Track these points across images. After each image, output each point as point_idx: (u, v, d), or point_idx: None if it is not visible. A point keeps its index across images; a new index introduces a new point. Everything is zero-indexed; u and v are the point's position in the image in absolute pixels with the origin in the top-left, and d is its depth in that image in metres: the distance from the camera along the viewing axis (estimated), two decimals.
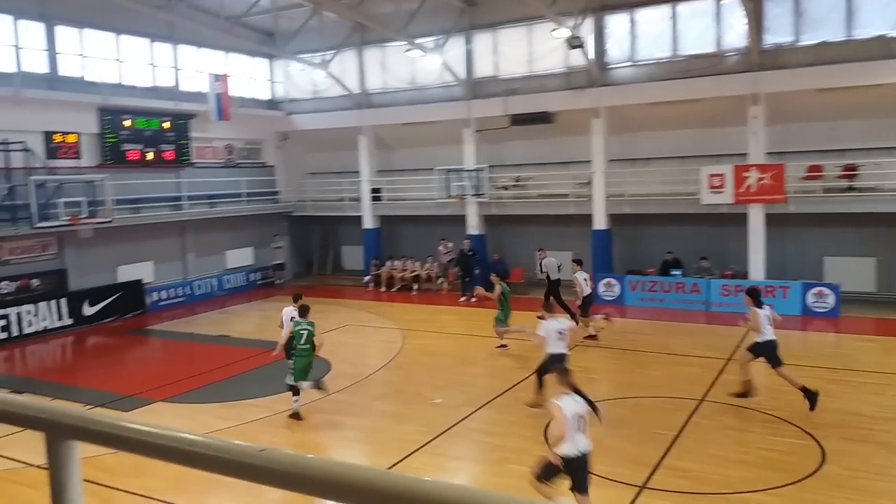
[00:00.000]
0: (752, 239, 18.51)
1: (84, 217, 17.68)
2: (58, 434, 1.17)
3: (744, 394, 10.65)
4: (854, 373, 12.23)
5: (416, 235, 24.70)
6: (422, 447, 9.58)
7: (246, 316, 20.07)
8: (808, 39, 17.87)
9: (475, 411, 11.04)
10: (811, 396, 10.15)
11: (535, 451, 9.30)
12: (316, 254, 27.08)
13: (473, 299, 19.51)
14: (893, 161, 17.30)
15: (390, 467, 8.00)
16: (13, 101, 17.22)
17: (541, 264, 17.98)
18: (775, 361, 10.41)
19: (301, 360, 10.83)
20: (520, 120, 21.16)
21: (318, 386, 11.06)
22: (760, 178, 17.93)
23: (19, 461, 9.17)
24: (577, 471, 6.72)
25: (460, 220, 22.53)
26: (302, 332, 10.84)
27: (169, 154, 21.49)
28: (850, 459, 8.74)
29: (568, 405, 6.74)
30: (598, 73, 19.99)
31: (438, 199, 22.24)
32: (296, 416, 10.83)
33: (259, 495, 8.56)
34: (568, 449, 6.64)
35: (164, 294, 21.36)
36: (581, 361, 13.89)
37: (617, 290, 19.61)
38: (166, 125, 21.36)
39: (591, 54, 19.75)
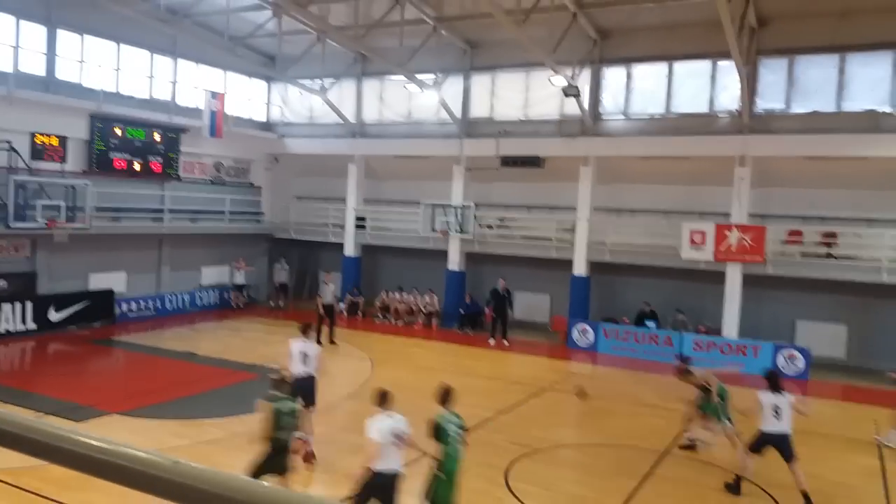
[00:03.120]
0: (728, 297, 18.64)
1: (61, 221, 17.46)
2: None
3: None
4: (818, 436, 12.20)
5: (395, 267, 24.65)
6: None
7: (215, 334, 19.79)
8: (799, 108, 18.31)
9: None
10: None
11: (494, 493, 9.19)
12: (292, 278, 26.84)
13: (505, 343, 19.75)
14: (873, 232, 17.65)
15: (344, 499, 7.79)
16: (6, 100, 17.12)
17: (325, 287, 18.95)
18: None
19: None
20: (510, 162, 21.30)
21: None
22: (741, 238, 18.14)
23: None
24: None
25: (442, 255, 22.52)
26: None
27: (156, 166, 21.36)
28: None
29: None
30: (590, 123, 20.28)
31: (422, 233, 22.25)
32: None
33: None
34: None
35: (133, 305, 21.04)
36: (547, 406, 13.83)
37: (591, 336, 19.61)
38: (157, 137, 21.28)
39: (586, 104, 20.07)
